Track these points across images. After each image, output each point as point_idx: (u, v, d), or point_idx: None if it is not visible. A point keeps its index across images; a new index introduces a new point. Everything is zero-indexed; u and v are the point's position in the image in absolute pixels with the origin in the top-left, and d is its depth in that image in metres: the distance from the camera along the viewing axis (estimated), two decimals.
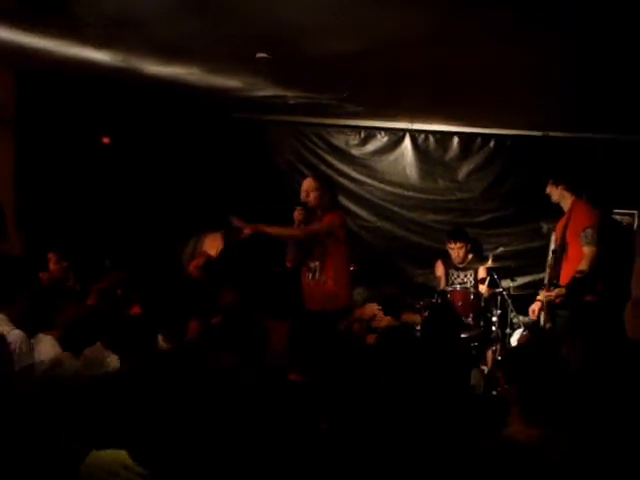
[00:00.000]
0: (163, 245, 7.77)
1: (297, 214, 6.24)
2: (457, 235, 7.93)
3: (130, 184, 7.95)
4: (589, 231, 6.04)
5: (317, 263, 6.23)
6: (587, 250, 6.02)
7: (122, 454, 2.57)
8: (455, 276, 7.96)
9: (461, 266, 7.93)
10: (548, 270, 6.64)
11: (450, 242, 7.89)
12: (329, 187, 6.47)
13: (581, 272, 5.96)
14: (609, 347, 4.38)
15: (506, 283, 7.79)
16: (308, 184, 6.30)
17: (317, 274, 6.24)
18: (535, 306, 6.27)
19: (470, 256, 7.96)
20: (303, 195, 6.24)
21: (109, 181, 7.79)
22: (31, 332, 4.08)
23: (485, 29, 4.47)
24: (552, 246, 6.79)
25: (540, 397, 2.89)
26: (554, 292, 6.10)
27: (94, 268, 6.36)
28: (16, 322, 3.94)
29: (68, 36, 5.21)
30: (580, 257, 6.04)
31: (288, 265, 6.41)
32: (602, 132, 8.07)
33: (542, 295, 6.26)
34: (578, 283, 6.00)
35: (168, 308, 4.78)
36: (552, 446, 2.77)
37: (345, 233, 6.28)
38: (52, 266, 6.13)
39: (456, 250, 7.85)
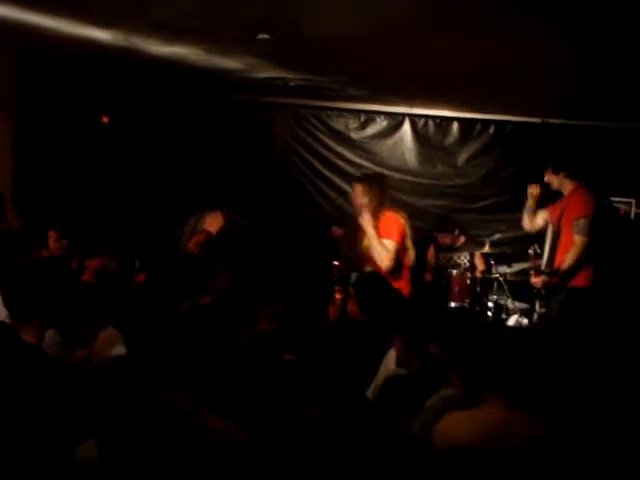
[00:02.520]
0: (162, 224, 7.80)
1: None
2: (442, 227, 8.15)
3: (128, 163, 7.97)
4: (582, 221, 6.09)
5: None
6: (577, 240, 6.08)
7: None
8: (448, 258, 8.07)
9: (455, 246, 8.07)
10: (546, 256, 6.67)
11: (437, 232, 8.06)
12: (378, 184, 6.38)
13: (568, 261, 6.06)
14: (600, 332, 4.42)
15: (502, 269, 7.84)
16: (355, 190, 6.34)
17: None
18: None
19: (462, 238, 8.07)
20: (356, 202, 6.30)
21: (107, 160, 7.80)
22: None
23: (484, 15, 4.46)
24: (549, 233, 6.81)
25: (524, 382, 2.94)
26: (539, 278, 6.19)
27: (90, 245, 6.36)
28: None
29: (72, 15, 5.19)
30: (571, 245, 6.12)
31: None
32: (601, 120, 8.09)
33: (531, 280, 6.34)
34: (570, 270, 6.08)
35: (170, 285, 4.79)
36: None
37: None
38: (52, 244, 6.14)
39: (441, 238, 8.02)
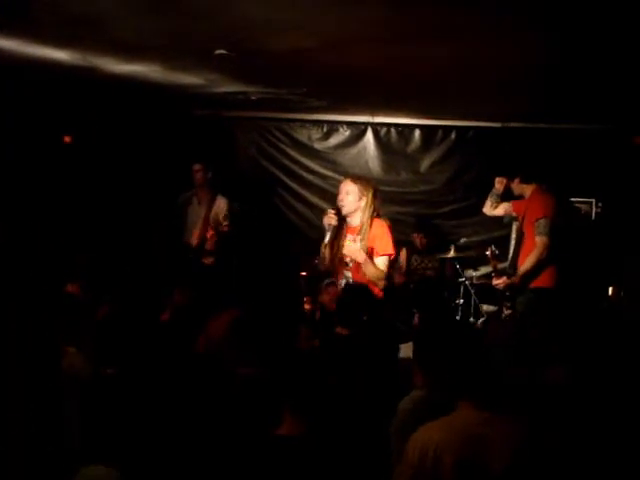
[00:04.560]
0: (126, 239, 7.81)
1: (329, 219, 5.74)
2: (420, 227, 8.34)
3: (92, 183, 7.94)
4: (542, 221, 6.16)
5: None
6: (539, 240, 6.15)
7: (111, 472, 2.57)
8: (419, 262, 8.20)
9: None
10: (510, 257, 6.76)
11: (414, 232, 8.16)
12: (373, 187, 5.80)
13: (529, 262, 6.13)
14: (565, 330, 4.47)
15: (469, 273, 7.93)
16: (344, 185, 5.74)
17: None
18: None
19: (433, 243, 8.23)
20: (348, 205, 5.69)
21: (70, 180, 7.78)
22: None
23: (440, 25, 4.52)
24: (513, 235, 6.90)
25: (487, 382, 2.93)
26: (501, 280, 6.25)
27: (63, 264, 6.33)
28: None
29: (26, 36, 5.19)
30: (533, 247, 6.19)
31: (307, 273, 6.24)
32: (560, 122, 8.20)
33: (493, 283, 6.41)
34: (532, 271, 6.15)
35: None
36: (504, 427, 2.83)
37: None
38: None
39: (419, 239, 8.11)
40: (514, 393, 3.28)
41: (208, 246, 7.55)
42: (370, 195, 5.68)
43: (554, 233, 6.14)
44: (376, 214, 5.71)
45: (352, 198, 5.68)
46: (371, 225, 5.66)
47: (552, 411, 3.32)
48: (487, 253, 6.47)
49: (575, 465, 2.93)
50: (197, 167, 7.87)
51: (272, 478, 2.76)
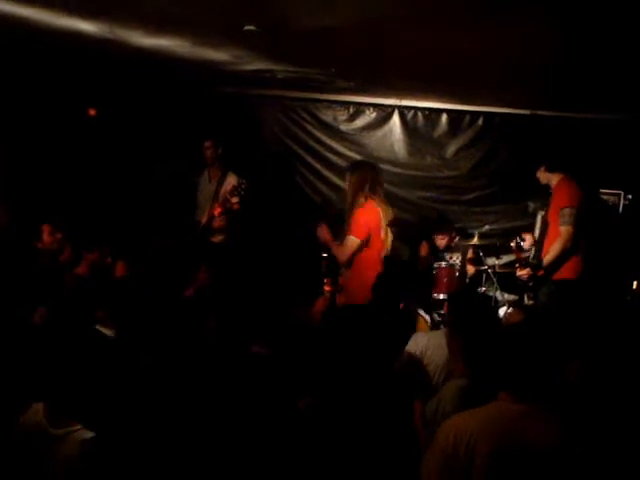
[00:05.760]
0: (150, 215, 7.80)
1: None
2: (443, 228, 8.09)
3: (116, 155, 7.95)
4: (567, 211, 6.10)
5: None
6: (563, 230, 6.08)
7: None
8: (441, 258, 8.07)
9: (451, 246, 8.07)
10: (534, 247, 6.69)
11: (437, 233, 7.98)
12: (358, 173, 6.24)
13: (554, 251, 6.05)
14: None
15: (491, 261, 7.85)
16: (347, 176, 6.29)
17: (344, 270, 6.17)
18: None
19: (456, 239, 8.06)
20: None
21: (95, 153, 7.78)
22: None
23: (471, 8, 4.44)
24: (538, 224, 6.81)
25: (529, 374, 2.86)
26: (524, 271, 6.19)
27: (86, 237, 6.35)
28: None
29: (53, 6, 5.16)
30: (557, 236, 6.11)
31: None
32: (589, 112, 8.08)
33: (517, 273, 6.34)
34: (556, 260, 6.07)
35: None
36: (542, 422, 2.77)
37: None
38: (46, 237, 6.14)
39: (439, 240, 7.99)
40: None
41: (216, 223, 7.50)
42: (352, 181, 6.16)
43: (579, 223, 6.06)
44: (365, 197, 6.11)
45: (347, 187, 6.25)
46: (362, 206, 6.07)
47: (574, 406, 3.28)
48: (512, 244, 6.39)
49: (605, 461, 2.89)
50: (207, 144, 7.83)
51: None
